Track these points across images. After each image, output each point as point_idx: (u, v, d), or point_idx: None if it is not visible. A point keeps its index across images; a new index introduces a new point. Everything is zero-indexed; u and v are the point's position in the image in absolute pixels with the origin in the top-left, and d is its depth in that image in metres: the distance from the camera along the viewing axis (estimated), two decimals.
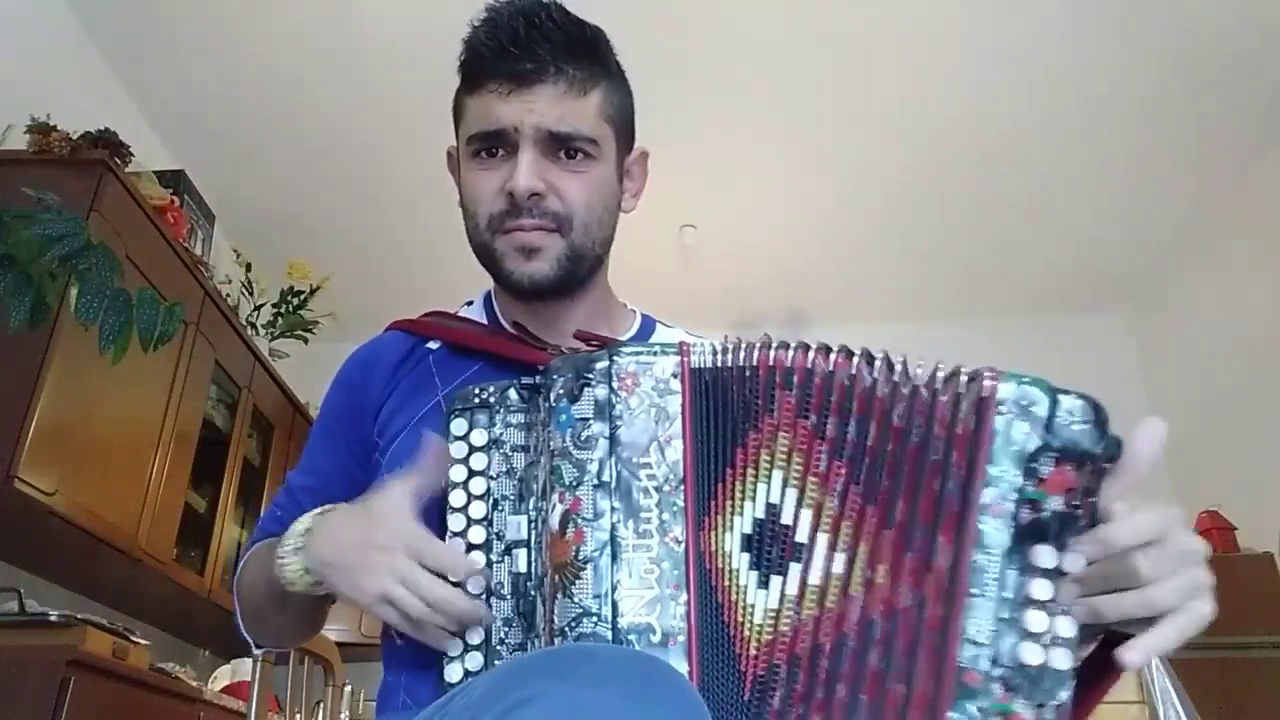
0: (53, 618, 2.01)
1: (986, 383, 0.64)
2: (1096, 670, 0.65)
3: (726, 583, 0.67)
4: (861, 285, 4.32)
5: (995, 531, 0.63)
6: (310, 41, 3.03)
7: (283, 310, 3.69)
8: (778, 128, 3.41)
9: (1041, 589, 0.62)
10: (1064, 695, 0.61)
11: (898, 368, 0.67)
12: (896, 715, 0.62)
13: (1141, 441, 0.63)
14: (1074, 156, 3.53)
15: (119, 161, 2.46)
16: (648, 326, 1.04)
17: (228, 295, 3.28)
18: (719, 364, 0.70)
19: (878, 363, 0.67)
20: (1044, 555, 0.62)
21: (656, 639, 0.65)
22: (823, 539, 0.66)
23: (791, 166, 3.61)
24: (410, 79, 3.11)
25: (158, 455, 2.64)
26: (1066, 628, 0.62)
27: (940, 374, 0.66)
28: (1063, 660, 0.61)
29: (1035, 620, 0.62)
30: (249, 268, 3.61)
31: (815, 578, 0.65)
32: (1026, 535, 0.63)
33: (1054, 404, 0.63)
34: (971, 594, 0.62)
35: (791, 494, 0.67)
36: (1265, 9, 2.89)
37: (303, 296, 3.70)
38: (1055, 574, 0.62)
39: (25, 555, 2.46)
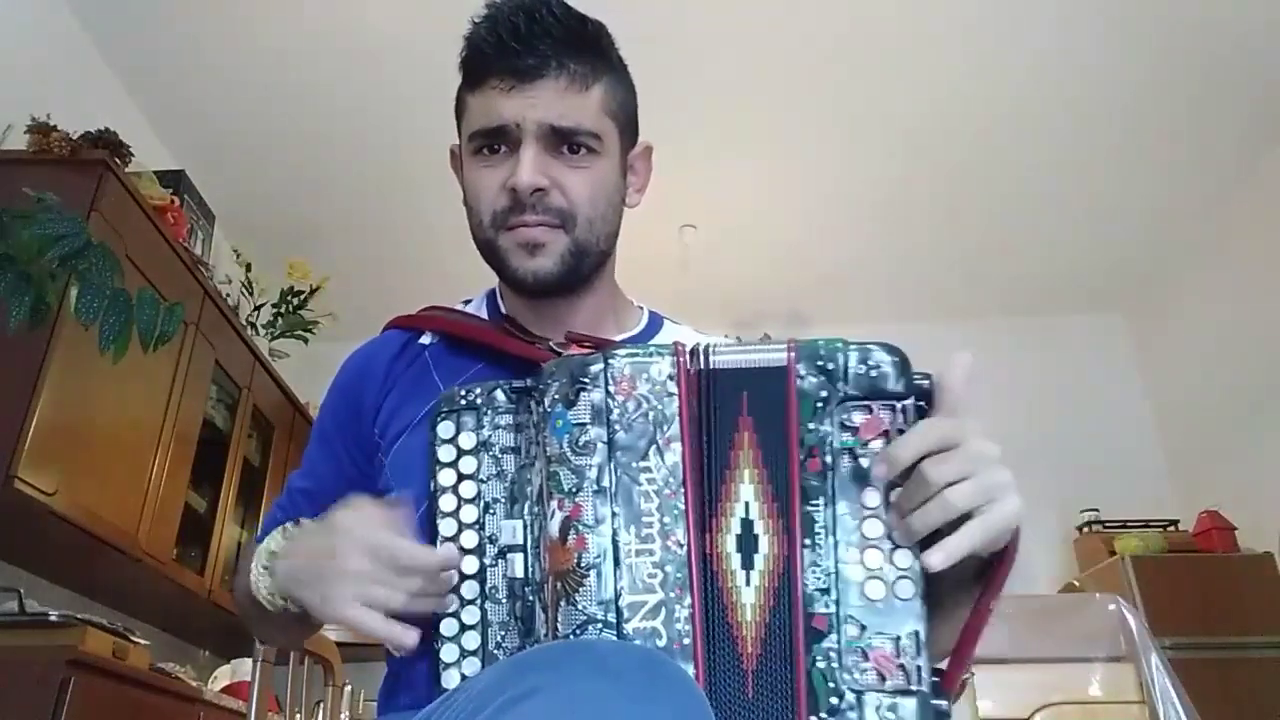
0: (53, 618, 2.00)
1: (782, 352, 0.69)
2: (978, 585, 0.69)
3: (728, 584, 0.67)
4: (861, 285, 4.32)
5: (817, 484, 0.67)
6: (311, 42, 3.03)
7: (283, 310, 3.69)
8: (778, 128, 3.41)
9: (873, 528, 0.66)
10: (915, 625, 0.64)
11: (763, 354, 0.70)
12: (767, 671, 0.65)
13: (952, 372, 0.67)
14: (1074, 157, 3.53)
15: (119, 161, 2.46)
16: (655, 323, 1.04)
17: (228, 295, 3.28)
18: (714, 365, 0.70)
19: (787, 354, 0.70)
20: (870, 496, 0.67)
21: (662, 643, 0.65)
22: (761, 525, 0.68)
23: (791, 167, 3.61)
24: (411, 79, 3.11)
25: (158, 455, 2.64)
26: (904, 559, 0.65)
27: (763, 354, 0.70)
28: (907, 590, 0.65)
29: (872, 558, 0.66)
30: (249, 268, 3.61)
31: (760, 563, 0.67)
32: (849, 481, 0.67)
33: (845, 356, 0.68)
34: (804, 544, 0.66)
35: (756, 489, 0.69)
36: (1265, 9, 2.89)
37: (303, 296, 3.69)
38: (887, 511, 0.66)
39: (25, 555, 2.46)
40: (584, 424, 0.69)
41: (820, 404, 0.68)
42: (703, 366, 0.70)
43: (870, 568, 0.65)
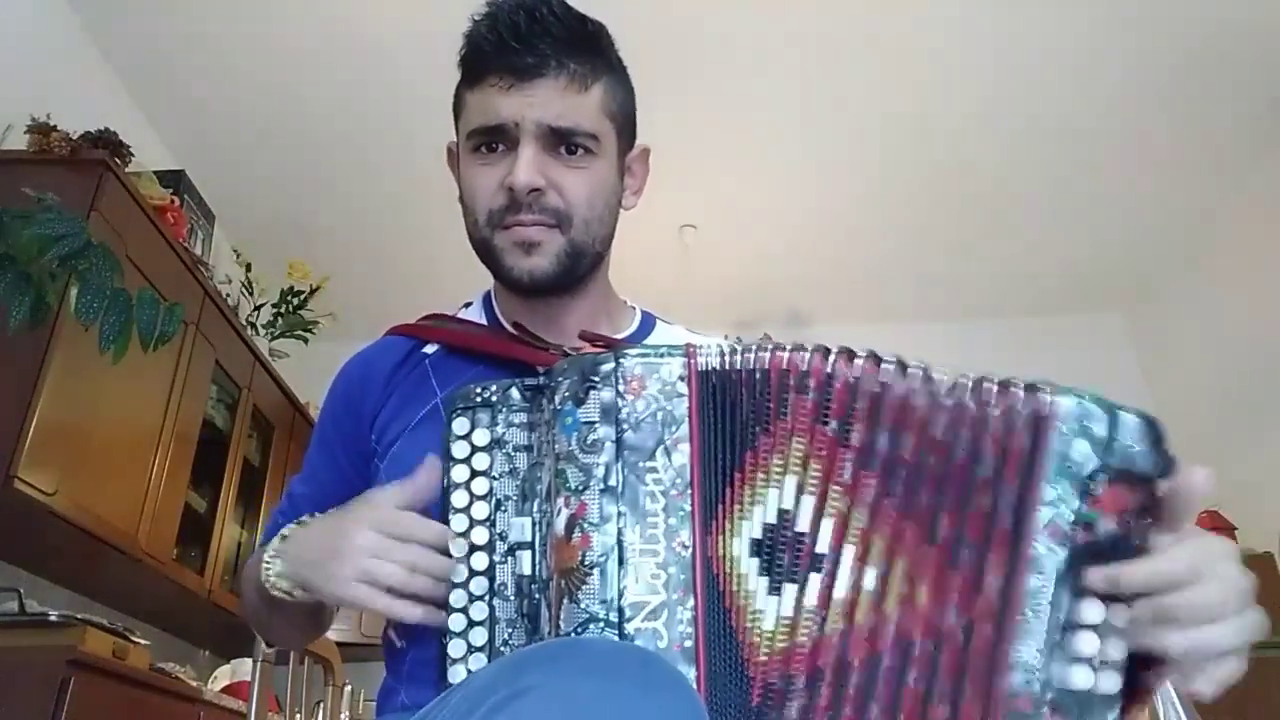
0: (53, 618, 2.00)
1: (1043, 397, 0.62)
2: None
3: (734, 588, 0.66)
4: (861, 285, 4.32)
5: (1049, 553, 0.61)
6: (311, 42, 3.03)
7: (283, 310, 3.69)
8: (778, 128, 3.41)
9: (1092, 612, 0.61)
10: (1111, 717, 0.61)
11: (938, 379, 0.65)
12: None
13: (1192, 478, 0.63)
14: (1074, 157, 3.53)
15: (119, 161, 2.46)
16: (648, 324, 1.04)
17: (228, 295, 3.27)
18: (727, 366, 0.69)
19: (912, 371, 0.65)
20: (1095, 576, 0.61)
21: (664, 644, 0.64)
22: (849, 550, 0.64)
23: (791, 167, 3.61)
24: (410, 80, 3.11)
25: (158, 455, 2.64)
26: (1116, 651, 0.61)
27: (988, 386, 0.64)
28: (1111, 683, 0.61)
29: (1086, 643, 0.61)
30: (249, 268, 3.60)
31: (841, 591, 0.64)
32: (1079, 557, 0.61)
33: (1113, 422, 0.62)
34: (1024, 616, 0.61)
35: (808, 501, 0.65)
36: (1266, 10, 2.89)
37: (303, 296, 3.69)
38: (1106, 597, 0.61)
39: (25, 555, 2.46)
40: (593, 422, 0.68)
41: (1072, 465, 0.62)
42: (718, 367, 0.69)
43: (1081, 654, 0.60)
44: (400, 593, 0.71)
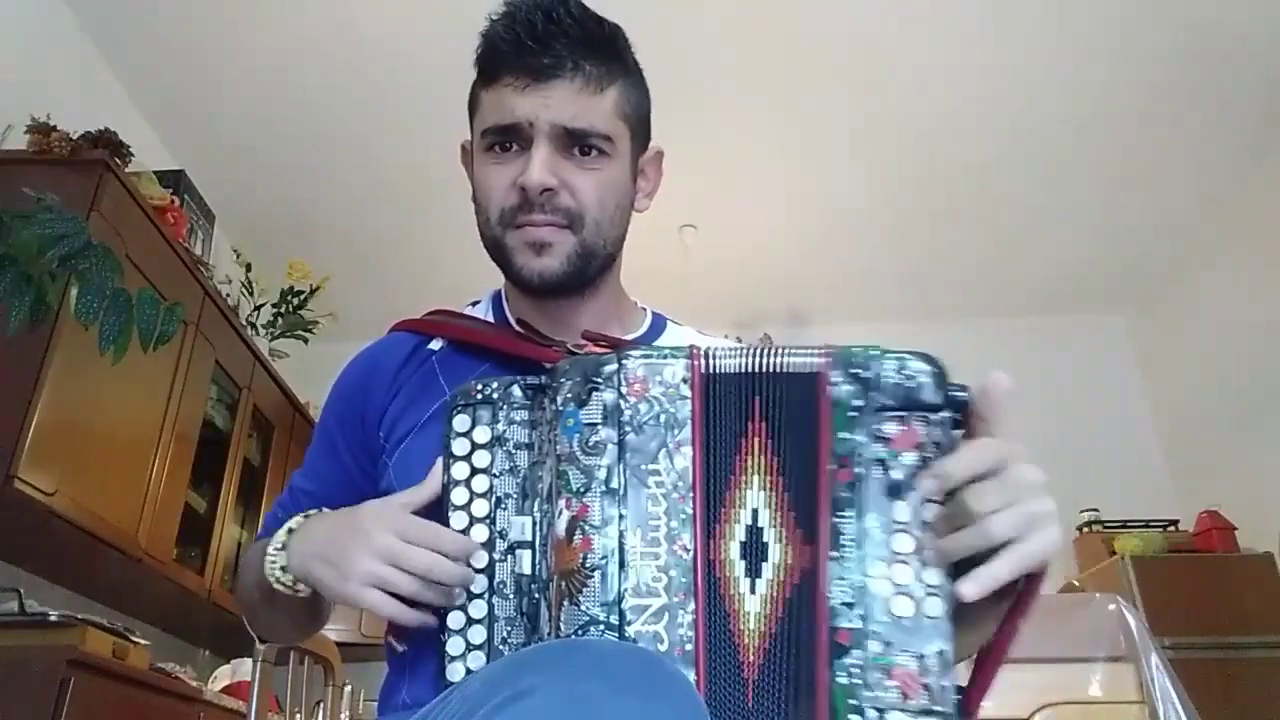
0: (53, 618, 2.01)
1: (816, 359, 0.67)
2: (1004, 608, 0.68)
3: (731, 591, 0.66)
4: (861, 285, 4.32)
5: (846, 495, 0.65)
6: (311, 42, 3.03)
7: (283, 310, 3.69)
8: (778, 128, 3.41)
9: (903, 542, 0.64)
10: (942, 644, 0.63)
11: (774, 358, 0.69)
12: (791, 683, 0.64)
13: (993, 388, 0.66)
14: (1074, 157, 3.53)
15: (119, 161, 2.46)
16: (658, 325, 1.03)
17: (228, 295, 3.27)
18: (728, 369, 0.70)
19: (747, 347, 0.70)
20: (901, 509, 0.65)
21: (664, 647, 0.64)
22: (771, 533, 0.67)
23: (792, 166, 3.61)
24: (411, 80, 3.11)
25: (158, 455, 2.64)
26: (934, 576, 0.64)
27: (792, 358, 0.68)
28: (935, 608, 0.63)
29: (900, 573, 0.64)
30: (249, 268, 3.60)
31: (770, 572, 0.66)
32: (880, 493, 0.65)
33: (881, 364, 0.66)
34: (832, 556, 0.64)
35: (768, 496, 0.68)
36: (1265, 9, 2.89)
37: (303, 296, 3.70)
38: (919, 526, 0.65)
39: (25, 555, 2.46)
40: (595, 424, 0.68)
41: (854, 413, 0.66)
42: (713, 370, 0.69)
43: (899, 583, 0.64)
44: (409, 600, 0.71)
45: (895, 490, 0.65)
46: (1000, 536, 0.62)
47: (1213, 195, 3.73)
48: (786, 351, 0.69)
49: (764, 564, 0.66)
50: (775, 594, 0.66)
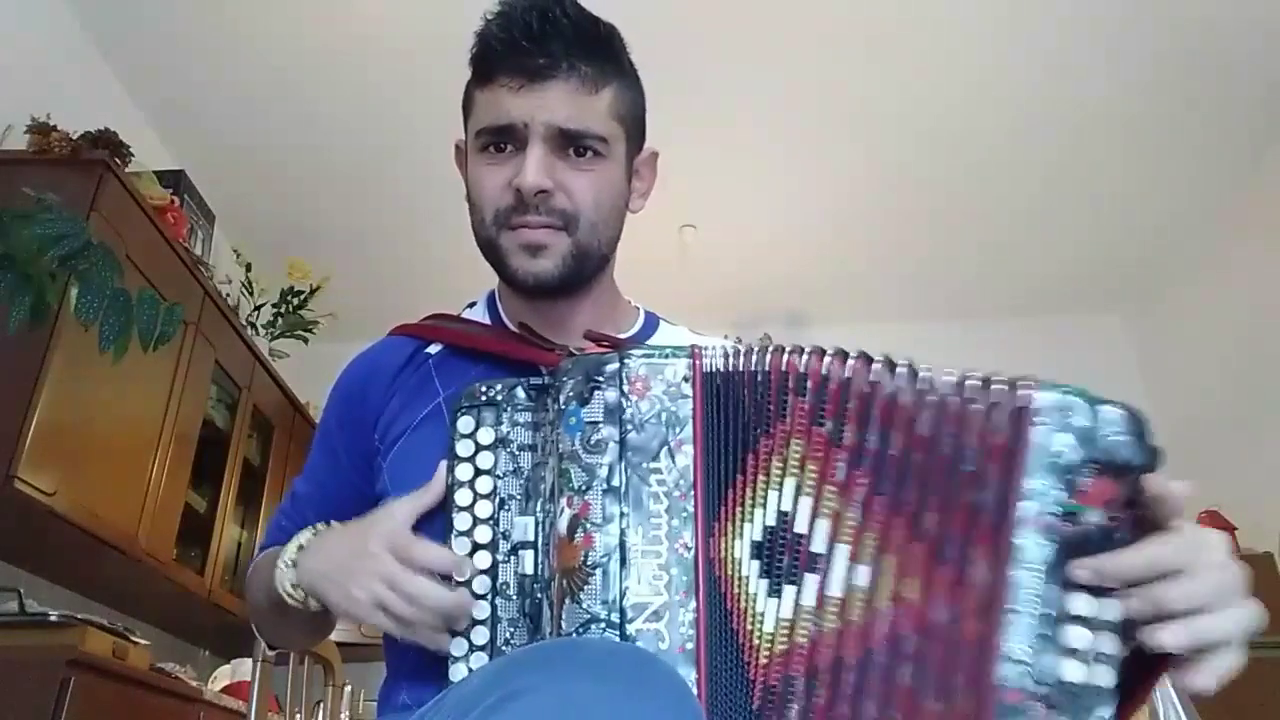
0: (53, 618, 2.00)
1: (1023, 392, 0.62)
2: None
3: (736, 590, 0.66)
4: (861, 285, 4.32)
5: (1035, 546, 0.60)
6: (311, 42, 3.03)
7: (283, 310, 3.69)
8: (778, 128, 3.40)
9: (1083, 604, 0.60)
10: (1106, 712, 0.60)
11: (922, 374, 0.65)
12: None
13: (1176, 485, 0.62)
14: (1074, 157, 3.53)
15: (119, 161, 2.46)
16: (650, 324, 1.03)
17: (228, 295, 3.27)
18: (731, 368, 0.69)
19: (900, 369, 0.66)
20: (1084, 569, 0.61)
21: (665, 646, 0.64)
22: (842, 549, 0.64)
23: (791, 167, 3.61)
24: (411, 80, 3.11)
25: (158, 455, 2.64)
26: (1109, 644, 0.60)
27: (970, 382, 0.64)
28: (1105, 677, 0.60)
29: (1077, 636, 0.60)
30: (249, 268, 3.60)
31: (835, 589, 0.64)
32: (1066, 549, 0.61)
33: (1094, 414, 0.62)
34: (1011, 610, 0.60)
35: (806, 502, 0.65)
36: (1265, 9, 2.88)
37: (303, 296, 3.69)
38: (1097, 590, 0.60)
39: (25, 555, 2.46)
40: (597, 422, 0.68)
41: (1056, 460, 0.61)
42: (736, 369, 0.69)
43: (1073, 647, 0.60)
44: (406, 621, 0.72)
45: (1081, 548, 0.61)
46: (1215, 641, 0.59)
47: (1212, 195, 3.72)
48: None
49: (807, 573, 0.64)
50: (849, 615, 0.63)
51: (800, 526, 0.65)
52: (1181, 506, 0.62)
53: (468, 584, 0.73)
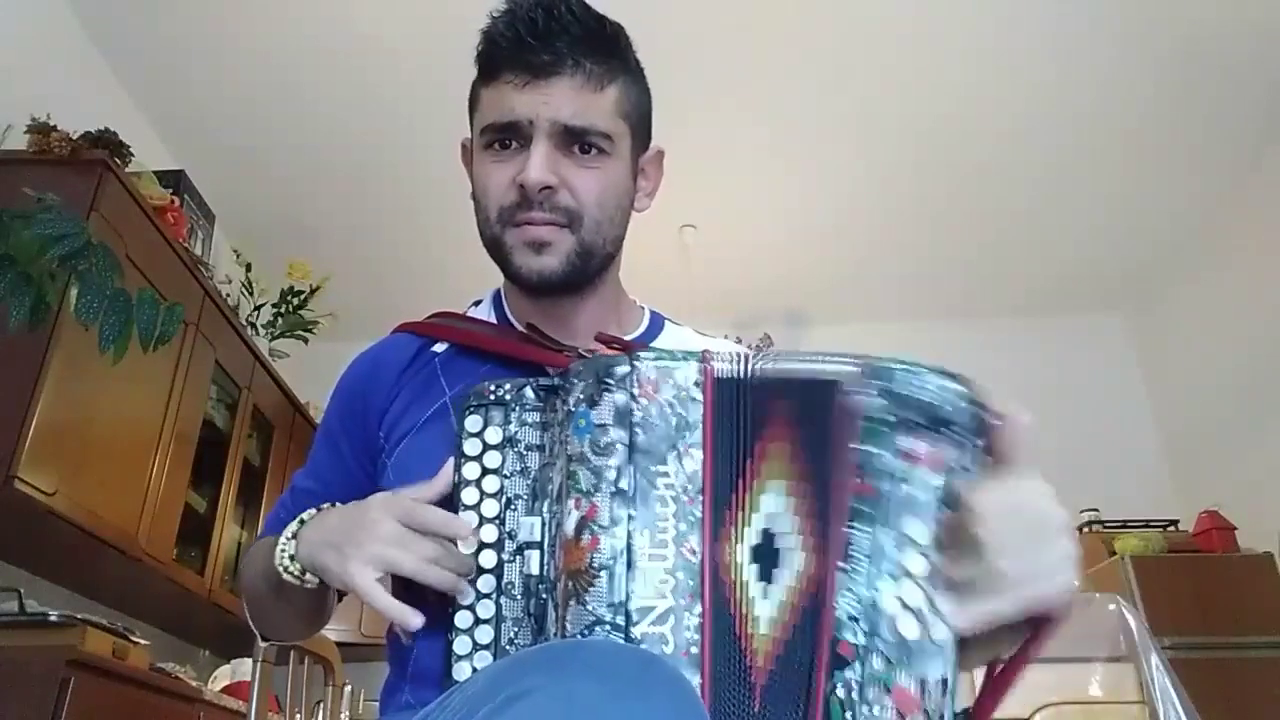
0: (53, 618, 2.00)
1: (848, 368, 0.66)
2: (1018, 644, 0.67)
3: (739, 595, 0.66)
4: (861, 285, 4.32)
5: (865, 508, 0.64)
6: (310, 42, 3.03)
7: (283, 310, 3.69)
8: (778, 128, 3.41)
9: (916, 563, 0.63)
10: (945, 670, 0.62)
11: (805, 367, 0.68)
12: (795, 692, 0.63)
13: (1017, 421, 0.66)
14: (1073, 157, 3.53)
15: (119, 161, 2.46)
16: (656, 324, 1.03)
17: (228, 295, 3.27)
18: (740, 373, 0.69)
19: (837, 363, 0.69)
20: (919, 530, 0.63)
21: (669, 649, 0.64)
22: (791, 540, 0.66)
23: (791, 167, 3.61)
24: (411, 80, 3.11)
25: (158, 455, 2.64)
26: (944, 602, 0.63)
27: (823, 365, 0.68)
28: (942, 633, 0.62)
29: (910, 593, 0.62)
30: (249, 268, 3.60)
31: (787, 579, 0.66)
32: (899, 510, 0.64)
33: (918, 380, 0.65)
34: (840, 567, 0.63)
35: (789, 502, 0.67)
36: (1264, 10, 2.89)
37: (303, 296, 3.70)
38: (935, 549, 0.63)
39: (25, 555, 2.46)
40: (606, 425, 0.68)
41: (884, 427, 0.65)
42: (737, 374, 0.69)
43: (908, 603, 0.63)
44: (414, 581, 0.72)
45: (915, 509, 0.64)
46: (1008, 576, 0.62)
47: (1212, 195, 3.73)
48: (818, 358, 0.68)
49: (779, 570, 0.65)
50: (791, 601, 0.65)
51: (781, 526, 0.67)
52: (1021, 450, 0.66)
53: (475, 555, 0.73)
